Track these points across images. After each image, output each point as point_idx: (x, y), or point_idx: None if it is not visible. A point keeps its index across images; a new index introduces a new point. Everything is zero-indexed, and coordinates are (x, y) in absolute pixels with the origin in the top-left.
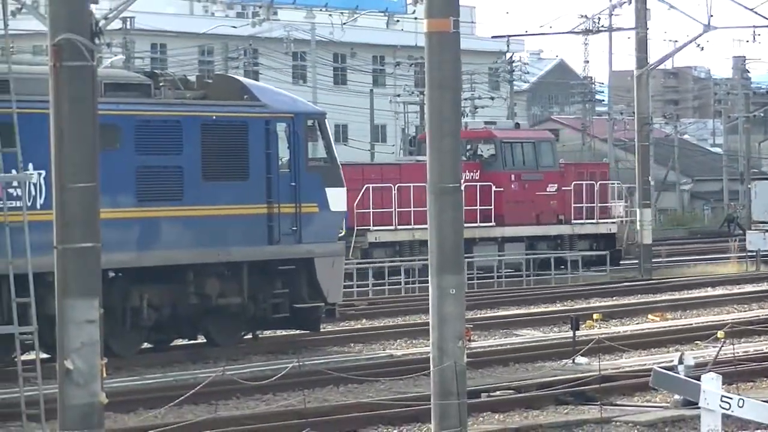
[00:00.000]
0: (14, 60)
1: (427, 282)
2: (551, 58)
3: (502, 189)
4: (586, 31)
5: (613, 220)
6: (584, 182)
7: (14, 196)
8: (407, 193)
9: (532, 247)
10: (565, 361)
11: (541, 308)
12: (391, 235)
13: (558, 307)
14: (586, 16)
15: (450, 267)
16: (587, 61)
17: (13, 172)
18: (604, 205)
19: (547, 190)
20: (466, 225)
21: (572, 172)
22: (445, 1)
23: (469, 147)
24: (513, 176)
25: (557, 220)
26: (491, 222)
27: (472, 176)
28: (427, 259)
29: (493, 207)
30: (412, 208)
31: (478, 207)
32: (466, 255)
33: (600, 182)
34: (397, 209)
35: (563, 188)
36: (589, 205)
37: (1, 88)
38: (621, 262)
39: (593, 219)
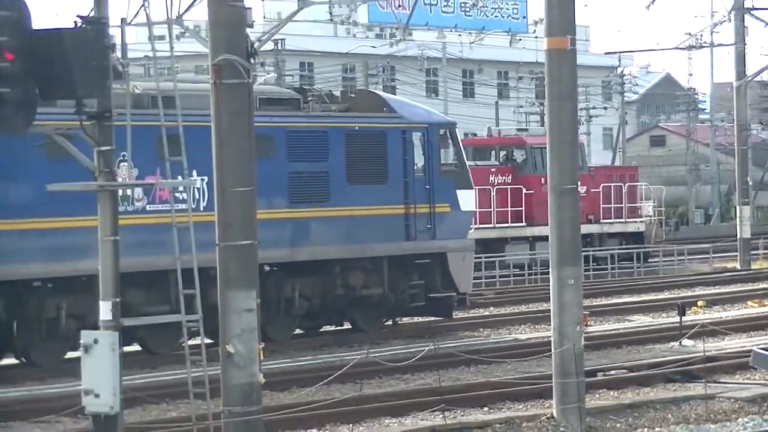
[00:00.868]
0: (179, 78)
1: (539, 273)
2: (658, 72)
3: (532, 191)
4: (690, 47)
5: (641, 219)
6: (612, 184)
7: (180, 200)
8: None
9: None
10: (672, 343)
11: (651, 296)
12: None
13: (666, 295)
14: (689, 34)
15: (569, 260)
16: (691, 74)
17: (179, 178)
18: (633, 206)
19: None
20: (498, 225)
21: (602, 175)
22: (562, 21)
23: (503, 152)
24: (543, 179)
25: (587, 220)
26: (522, 222)
27: (505, 179)
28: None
29: (524, 208)
30: None
31: (509, 208)
32: (498, 254)
33: (628, 184)
34: None
35: (592, 190)
36: (617, 205)
37: (168, 103)
38: (650, 260)
39: (621, 218)
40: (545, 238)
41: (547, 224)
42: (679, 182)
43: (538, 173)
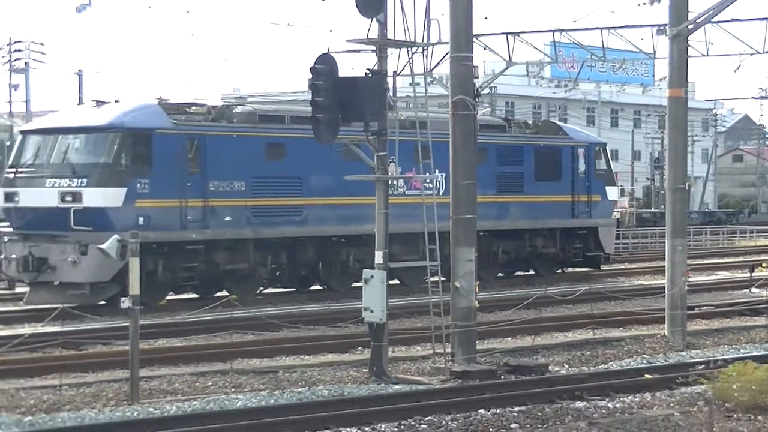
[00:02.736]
0: (429, 110)
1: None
2: (740, 113)
3: None
4: (762, 97)
5: (618, 210)
6: None
7: (427, 188)
8: None
9: None
10: (745, 290)
11: (731, 258)
12: None
13: (741, 259)
14: (761, 88)
15: (678, 233)
16: (762, 115)
17: (428, 174)
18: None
19: None
20: None
21: None
22: (679, 79)
23: None
24: None
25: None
26: None
27: None
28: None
29: None
30: None
31: None
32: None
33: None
34: None
35: None
36: None
37: (422, 126)
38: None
39: None
40: None
41: None
42: (751, 185)
43: None
